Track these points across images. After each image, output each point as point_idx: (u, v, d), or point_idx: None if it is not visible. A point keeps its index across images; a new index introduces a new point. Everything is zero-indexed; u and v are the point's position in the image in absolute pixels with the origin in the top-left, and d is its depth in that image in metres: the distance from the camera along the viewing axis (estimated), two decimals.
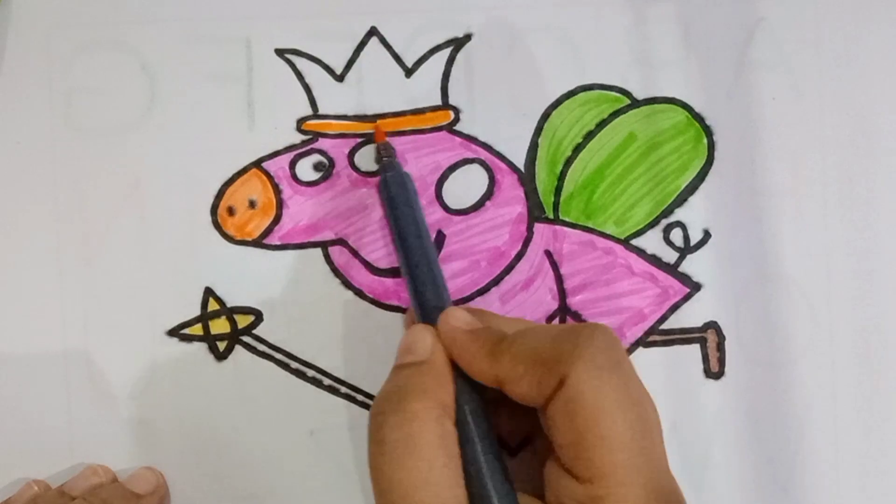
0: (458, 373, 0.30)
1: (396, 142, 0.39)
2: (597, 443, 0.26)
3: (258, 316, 0.38)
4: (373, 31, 0.39)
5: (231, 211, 0.38)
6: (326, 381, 0.38)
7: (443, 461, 0.28)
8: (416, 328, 0.32)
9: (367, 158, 0.39)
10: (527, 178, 0.39)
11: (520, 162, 0.39)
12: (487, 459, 0.29)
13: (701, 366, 0.39)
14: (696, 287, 0.39)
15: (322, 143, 0.39)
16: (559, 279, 0.39)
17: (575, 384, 0.27)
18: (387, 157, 0.38)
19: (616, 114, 0.39)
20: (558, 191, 0.39)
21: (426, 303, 0.33)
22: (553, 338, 0.28)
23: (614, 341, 0.29)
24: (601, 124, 0.39)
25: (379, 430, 0.28)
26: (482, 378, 0.30)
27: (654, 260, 0.39)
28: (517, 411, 0.31)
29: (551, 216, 0.39)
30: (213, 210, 0.38)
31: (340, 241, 0.38)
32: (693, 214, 0.39)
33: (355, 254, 0.38)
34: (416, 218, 0.36)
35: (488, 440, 0.30)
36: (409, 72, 0.39)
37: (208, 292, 0.38)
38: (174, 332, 0.38)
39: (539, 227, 0.39)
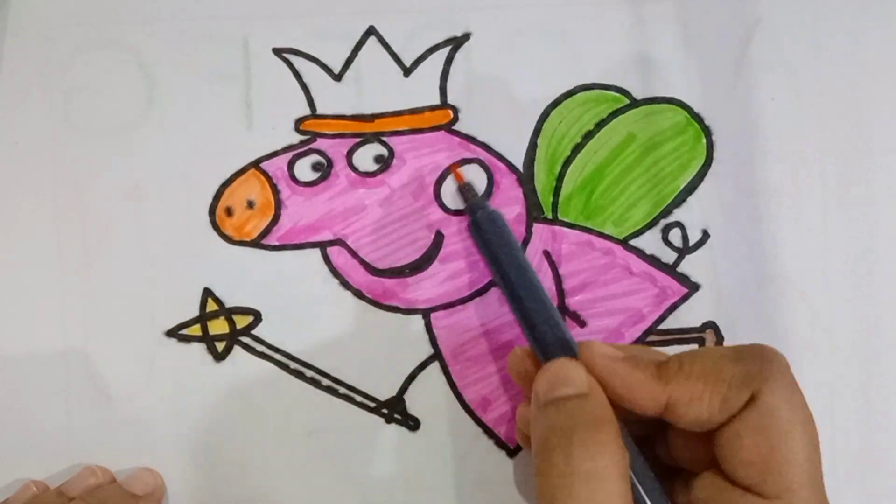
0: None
1: (395, 141, 0.39)
2: (789, 458, 0.28)
3: (257, 316, 0.38)
4: (371, 31, 0.39)
5: (229, 211, 0.38)
6: (325, 382, 0.38)
7: (627, 494, 0.28)
8: (561, 362, 0.31)
9: (365, 158, 0.39)
10: (525, 179, 0.39)
11: (518, 162, 0.39)
12: (653, 494, 0.30)
13: None
14: (694, 287, 0.39)
15: (320, 143, 0.39)
16: (558, 279, 0.39)
17: (769, 400, 0.28)
18: (472, 197, 0.37)
19: (615, 114, 0.39)
20: (557, 191, 0.39)
21: (550, 338, 0.33)
22: (733, 356, 0.29)
23: (788, 362, 0.30)
24: (600, 124, 0.39)
25: (568, 462, 0.28)
26: (647, 404, 0.30)
27: (653, 260, 0.39)
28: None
29: (550, 216, 0.39)
30: (212, 210, 0.38)
31: (339, 242, 0.38)
32: (692, 215, 0.39)
33: (354, 254, 0.38)
34: (515, 253, 0.35)
35: (650, 471, 0.30)
36: (407, 71, 0.39)
37: (207, 293, 0.38)
38: (173, 333, 0.38)
39: (538, 228, 0.39)
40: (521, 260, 0.35)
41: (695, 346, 0.39)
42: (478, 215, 0.37)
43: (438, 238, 0.39)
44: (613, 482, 0.27)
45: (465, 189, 0.38)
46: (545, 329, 0.33)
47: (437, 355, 0.38)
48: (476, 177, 0.39)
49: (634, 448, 0.30)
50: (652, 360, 0.30)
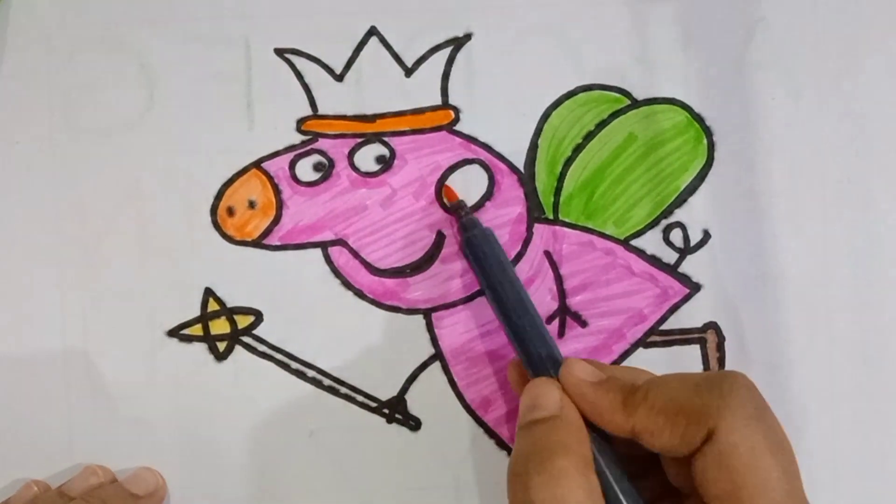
0: (587, 423, 0.30)
1: (396, 142, 0.39)
2: (756, 492, 0.27)
3: (258, 316, 0.38)
4: (372, 31, 0.39)
5: (231, 211, 0.38)
6: (326, 382, 0.38)
7: None
8: (538, 383, 0.32)
9: (366, 158, 0.39)
10: (526, 179, 0.39)
11: (519, 162, 0.39)
12: None
13: (701, 366, 0.39)
14: (695, 287, 0.39)
15: (322, 144, 0.39)
16: (559, 280, 0.39)
17: (726, 436, 0.27)
18: (466, 216, 0.37)
19: (616, 114, 0.39)
20: (558, 191, 0.39)
21: (536, 356, 0.33)
22: (693, 388, 0.29)
23: (754, 388, 0.29)
24: (601, 125, 0.39)
25: (525, 491, 0.28)
26: (615, 430, 0.30)
27: (654, 260, 0.39)
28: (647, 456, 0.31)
29: (551, 217, 0.39)
30: (213, 210, 0.38)
31: (340, 242, 0.38)
32: (693, 215, 0.39)
33: (355, 254, 0.38)
34: (507, 272, 0.35)
35: (629, 491, 0.30)
36: (408, 71, 0.39)
37: (208, 293, 0.38)
38: (174, 333, 0.38)
39: (539, 228, 0.39)
40: (513, 279, 0.35)
41: (696, 347, 0.39)
42: (469, 235, 0.37)
43: (440, 238, 0.39)
44: None
45: (457, 207, 0.38)
46: (533, 346, 0.34)
47: (438, 355, 0.38)
48: (477, 177, 0.39)
49: (618, 471, 0.30)
50: (626, 386, 0.30)
